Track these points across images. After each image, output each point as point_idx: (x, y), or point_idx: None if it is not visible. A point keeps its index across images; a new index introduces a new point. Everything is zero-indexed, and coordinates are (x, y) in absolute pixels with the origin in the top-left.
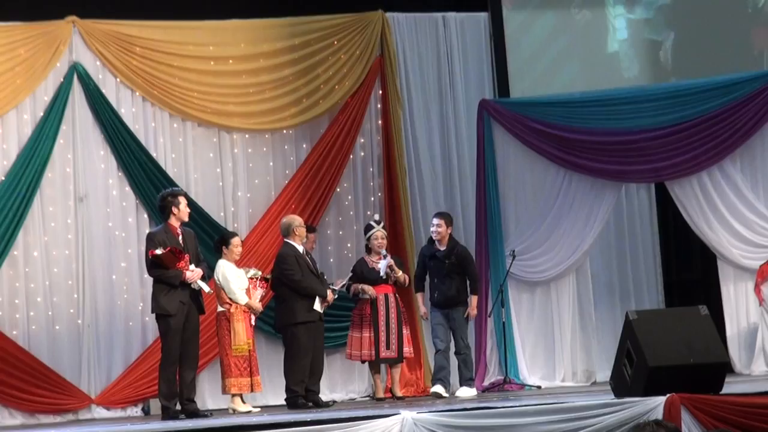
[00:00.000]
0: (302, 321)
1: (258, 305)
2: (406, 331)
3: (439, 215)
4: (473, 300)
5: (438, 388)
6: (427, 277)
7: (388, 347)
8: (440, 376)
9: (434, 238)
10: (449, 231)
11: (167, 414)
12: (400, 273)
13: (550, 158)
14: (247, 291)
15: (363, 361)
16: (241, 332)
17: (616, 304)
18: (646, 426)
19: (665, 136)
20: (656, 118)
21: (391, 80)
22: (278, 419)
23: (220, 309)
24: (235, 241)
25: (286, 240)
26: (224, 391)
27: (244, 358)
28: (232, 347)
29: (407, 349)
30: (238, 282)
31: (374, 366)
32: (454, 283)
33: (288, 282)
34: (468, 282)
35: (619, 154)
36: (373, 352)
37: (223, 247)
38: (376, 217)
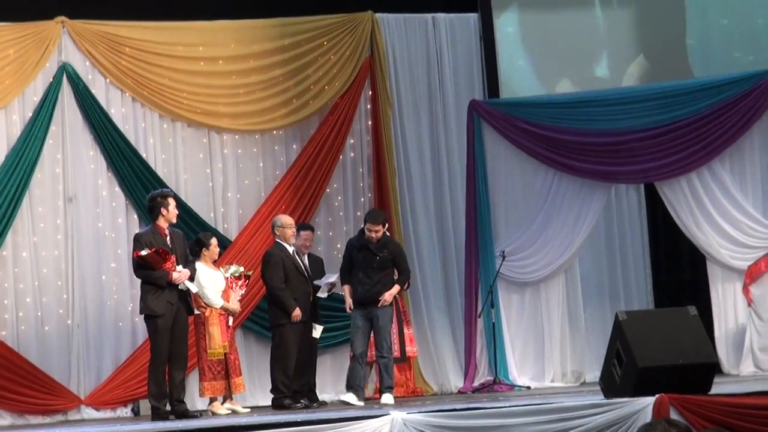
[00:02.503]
0: (288, 321)
1: (234, 306)
2: (408, 331)
3: (374, 221)
4: (394, 288)
5: (350, 397)
6: None
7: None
8: (354, 383)
9: (373, 241)
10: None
11: (157, 415)
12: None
13: (539, 159)
14: (226, 292)
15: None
16: (216, 336)
17: (606, 304)
18: (658, 425)
19: (654, 137)
20: (645, 119)
21: (381, 81)
22: (267, 420)
23: (196, 312)
24: (214, 241)
25: (276, 240)
26: (200, 393)
27: (219, 361)
28: (207, 351)
29: (410, 348)
30: (213, 286)
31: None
32: (381, 278)
33: (265, 285)
34: (396, 277)
35: (609, 155)
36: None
37: (203, 249)
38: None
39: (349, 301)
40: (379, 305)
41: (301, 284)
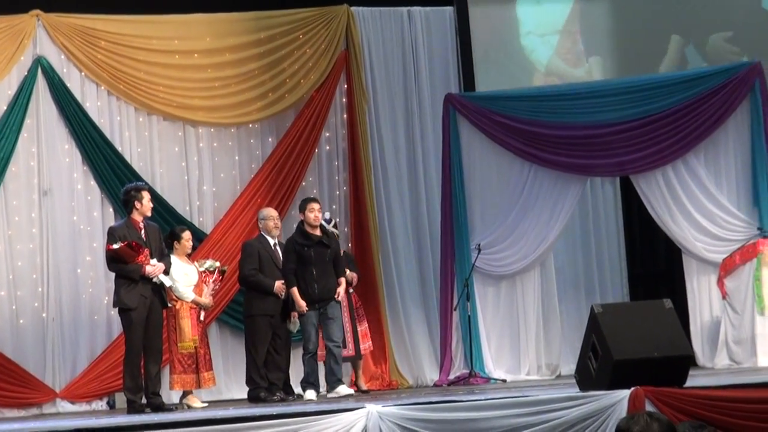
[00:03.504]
0: (261, 313)
1: (206, 300)
2: (361, 328)
3: (316, 200)
4: (344, 282)
5: (310, 394)
6: None
7: (345, 346)
8: (312, 379)
9: (314, 224)
10: None
11: (132, 408)
12: (347, 272)
13: (515, 152)
14: (198, 286)
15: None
16: (186, 330)
17: (581, 297)
18: (639, 418)
19: (630, 130)
20: (621, 112)
21: (357, 74)
22: (243, 413)
23: (168, 305)
24: (186, 235)
25: (260, 232)
26: (169, 386)
27: (189, 354)
28: (177, 344)
29: (365, 345)
30: (184, 279)
31: (352, 362)
32: (332, 272)
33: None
34: (339, 268)
35: (584, 148)
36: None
37: (175, 242)
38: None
39: (302, 304)
40: (336, 297)
41: (276, 278)
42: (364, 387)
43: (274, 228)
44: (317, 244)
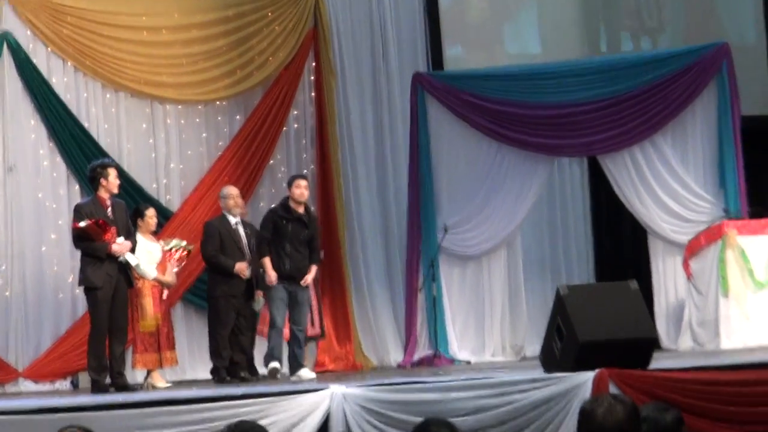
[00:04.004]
0: (224, 294)
1: (169, 279)
2: (322, 307)
3: (304, 177)
4: (314, 269)
5: (276, 364)
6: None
7: (312, 324)
8: (276, 354)
9: (300, 200)
10: None
11: (97, 387)
12: None
13: (483, 132)
14: (162, 264)
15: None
16: (148, 308)
17: (547, 278)
18: (603, 400)
19: (598, 110)
20: (589, 92)
21: (325, 52)
22: (206, 394)
23: None
24: (150, 212)
25: (222, 211)
26: (132, 366)
27: (151, 333)
28: (139, 323)
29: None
30: (147, 257)
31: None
32: (306, 252)
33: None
34: (314, 253)
35: (552, 128)
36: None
37: (138, 219)
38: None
39: (273, 274)
40: (302, 283)
41: (237, 258)
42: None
43: (234, 207)
44: (296, 221)
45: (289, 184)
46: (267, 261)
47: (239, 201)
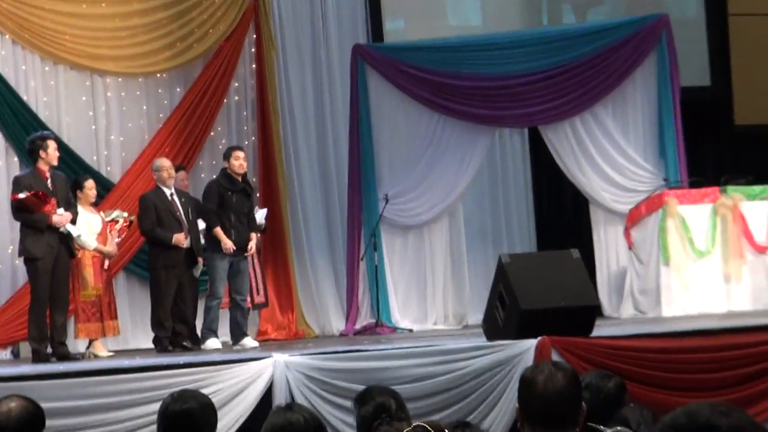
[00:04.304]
0: (164, 265)
1: (110, 249)
2: (266, 276)
3: (242, 148)
4: (254, 236)
5: (213, 343)
6: None
7: (258, 293)
8: (214, 327)
9: (240, 172)
10: None
11: (37, 357)
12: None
13: (423, 103)
14: (102, 235)
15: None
16: (89, 278)
17: (489, 247)
18: (544, 367)
19: (538, 81)
20: (529, 64)
21: (265, 24)
22: (149, 363)
23: None
24: (89, 183)
25: (157, 184)
26: (75, 335)
27: (92, 303)
28: (80, 293)
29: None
30: (87, 228)
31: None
32: (246, 222)
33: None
34: (253, 222)
35: (493, 99)
36: (248, 299)
37: (78, 191)
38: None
39: (229, 243)
40: (247, 253)
41: (175, 229)
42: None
43: (168, 178)
44: (240, 192)
45: (227, 156)
46: (219, 231)
47: (172, 172)
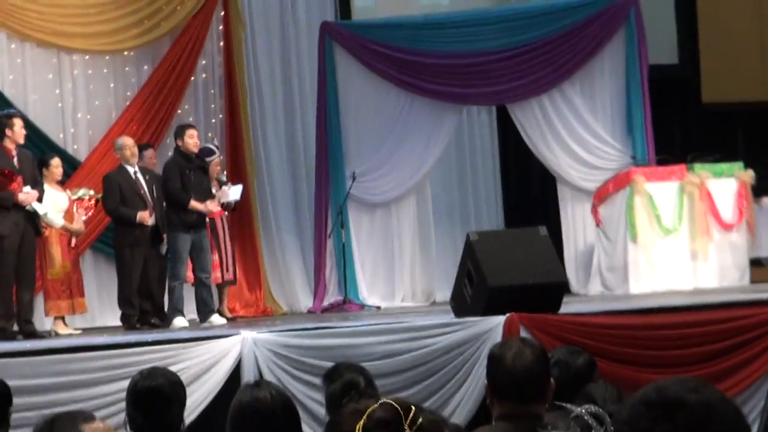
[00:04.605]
0: (129, 244)
1: (77, 227)
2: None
3: (194, 126)
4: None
5: (181, 321)
6: None
7: (227, 270)
8: (180, 306)
9: (194, 150)
10: None
11: (4, 335)
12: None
13: (391, 81)
14: (69, 213)
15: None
16: (56, 256)
17: (457, 225)
18: (512, 343)
19: (506, 59)
20: (497, 41)
21: (233, 1)
22: (117, 340)
23: None
24: (55, 161)
25: (120, 163)
26: (45, 313)
27: (61, 281)
28: (48, 270)
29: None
30: (54, 206)
31: (221, 288)
32: (204, 198)
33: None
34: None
35: (460, 77)
36: (219, 275)
37: (44, 168)
38: (215, 142)
39: (211, 206)
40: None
41: (139, 207)
42: (228, 315)
43: (131, 156)
44: (198, 169)
45: (181, 135)
46: (194, 203)
47: (135, 151)
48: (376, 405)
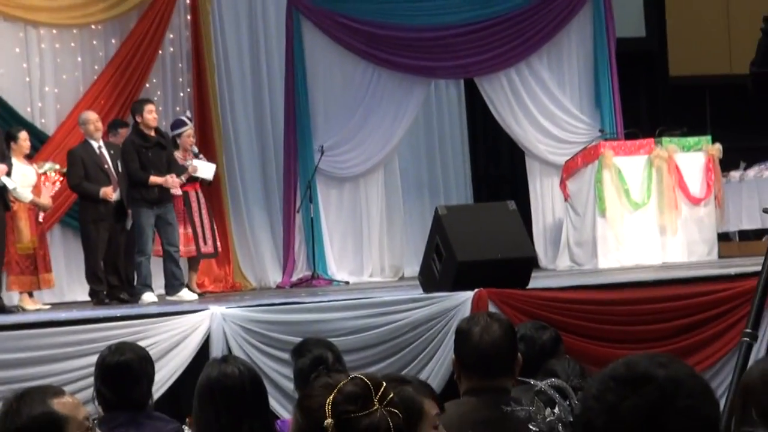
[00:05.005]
0: (94, 219)
1: (45, 202)
2: (215, 227)
3: (151, 101)
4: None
5: (150, 296)
6: None
7: (205, 243)
8: (148, 282)
9: (153, 125)
10: None
11: None
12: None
13: (359, 54)
14: (37, 187)
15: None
16: (25, 230)
17: (425, 199)
18: (480, 318)
19: (473, 32)
20: (465, 14)
21: None
22: (86, 315)
23: None
24: (23, 135)
25: (85, 138)
26: (7, 288)
27: (27, 256)
28: (15, 245)
29: (219, 244)
30: (22, 180)
31: (193, 263)
32: (166, 172)
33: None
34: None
35: (429, 50)
36: (193, 248)
37: (11, 142)
38: (188, 113)
39: (170, 179)
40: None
41: (102, 182)
42: (197, 290)
43: (95, 131)
44: (156, 146)
45: (139, 111)
46: (154, 178)
47: (99, 125)
48: (347, 380)
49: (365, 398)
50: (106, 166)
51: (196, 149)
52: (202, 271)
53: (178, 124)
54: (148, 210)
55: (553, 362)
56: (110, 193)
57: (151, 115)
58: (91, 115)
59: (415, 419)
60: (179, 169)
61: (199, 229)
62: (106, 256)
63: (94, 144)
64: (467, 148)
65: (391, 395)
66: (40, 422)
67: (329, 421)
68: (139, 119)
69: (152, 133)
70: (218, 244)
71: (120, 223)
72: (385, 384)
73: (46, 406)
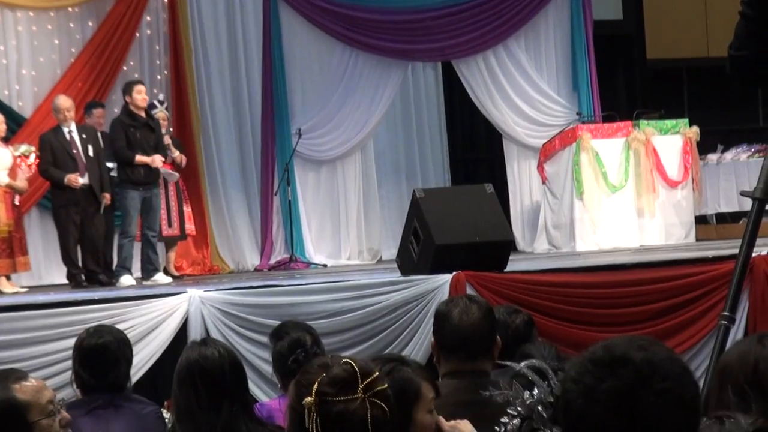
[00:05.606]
0: (65, 204)
1: (21, 185)
2: (187, 209)
3: (142, 82)
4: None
5: (128, 279)
6: None
7: (170, 225)
8: (128, 264)
9: (142, 106)
10: None
11: None
12: (177, 153)
13: (336, 37)
14: (13, 170)
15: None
16: (1, 214)
17: (403, 182)
18: (459, 301)
19: (451, 15)
20: None
21: None
22: (64, 298)
23: None
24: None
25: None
26: None
27: (3, 239)
28: None
29: (189, 226)
30: None
31: (170, 243)
32: (154, 154)
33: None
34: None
35: (406, 33)
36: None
37: None
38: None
39: (153, 159)
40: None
41: (70, 168)
42: (176, 273)
43: (64, 120)
44: (144, 127)
45: (129, 92)
46: (140, 157)
47: (70, 114)
48: (341, 363)
49: (349, 384)
50: (75, 152)
51: (170, 131)
52: (181, 254)
53: (149, 106)
54: (134, 191)
55: (528, 346)
56: (74, 179)
57: (140, 95)
58: (63, 103)
59: (411, 401)
60: (166, 154)
61: (163, 212)
62: (82, 240)
63: (65, 129)
64: (445, 131)
65: (381, 387)
66: (0, 410)
67: (308, 399)
68: (128, 99)
69: (142, 114)
70: (187, 227)
71: (92, 206)
72: (376, 375)
73: (6, 393)
